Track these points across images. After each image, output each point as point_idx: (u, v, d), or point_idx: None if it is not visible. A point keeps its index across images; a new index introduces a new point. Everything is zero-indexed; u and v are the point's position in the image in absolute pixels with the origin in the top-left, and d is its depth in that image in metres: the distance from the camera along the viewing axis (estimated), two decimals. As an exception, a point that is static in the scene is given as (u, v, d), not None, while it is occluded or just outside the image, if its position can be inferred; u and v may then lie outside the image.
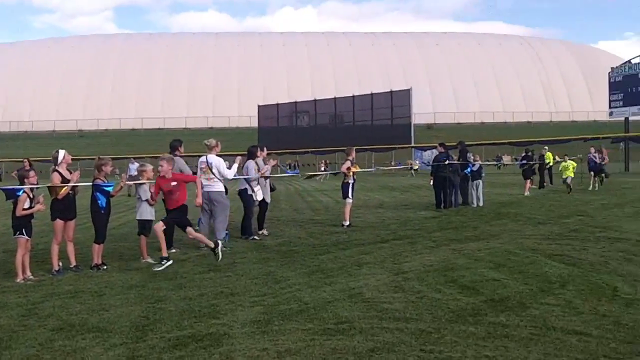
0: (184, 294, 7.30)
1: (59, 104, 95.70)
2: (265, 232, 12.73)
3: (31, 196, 8.57)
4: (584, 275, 7.69)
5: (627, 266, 8.15)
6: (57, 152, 9.23)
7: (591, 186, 23.69)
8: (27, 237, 8.50)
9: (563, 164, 23.83)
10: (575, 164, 23.67)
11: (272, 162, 13.73)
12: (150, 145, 62.01)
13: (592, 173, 24.36)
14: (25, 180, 8.61)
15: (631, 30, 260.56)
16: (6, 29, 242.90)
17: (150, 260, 9.62)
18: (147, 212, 10.02)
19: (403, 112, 53.81)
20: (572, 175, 23.04)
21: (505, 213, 15.90)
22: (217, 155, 11.12)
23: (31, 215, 8.60)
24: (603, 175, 24.44)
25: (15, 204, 8.49)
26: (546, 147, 28.87)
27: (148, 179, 10.16)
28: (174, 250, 10.62)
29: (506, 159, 51.95)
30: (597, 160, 24.39)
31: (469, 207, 17.87)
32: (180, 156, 11.27)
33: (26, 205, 8.43)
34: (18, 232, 8.48)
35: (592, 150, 24.47)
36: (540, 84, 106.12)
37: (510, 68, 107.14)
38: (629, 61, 46.79)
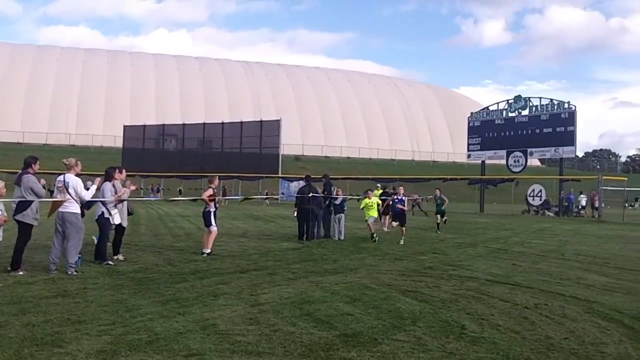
0: (27, 320, 6.81)
1: None
2: (120, 257, 12.23)
3: None
4: (434, 312, 7.95)
5: (476, 304, 8.51)
6: None
7: (438, 227, 23.48)
8: None
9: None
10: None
11: (133, 187, 13.23)
12: (7, 160, 58.26)
13: (437, 215, 24.16)
14: None
15: (490, 78, 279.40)
16: None
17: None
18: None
19: (272, 142, 54.15)
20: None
21: (365, 247, 16.29)
22: (76, 175, 10.59)
23: None
24: (445, 217, 24.58)
25: None
26: (379, 185, 29.76)
27: (0, 195, 9.48)
28: (21, 273, 9.97)
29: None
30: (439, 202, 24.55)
31: (330, 240, 18.14)
32: (34, 174, 10.62)
33: None
34: None
35: (438, 192, 24.66)
36: (405, 124, 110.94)
37: (377, 106, 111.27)
38: (487, 107, 50.04)
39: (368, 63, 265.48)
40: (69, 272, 10.15)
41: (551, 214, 41.81)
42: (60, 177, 10.52)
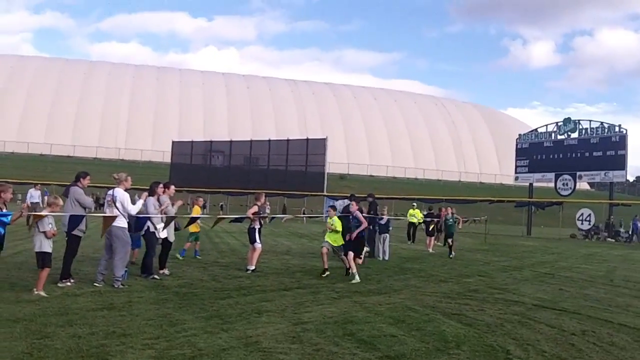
0: (73, 332, 6.95)
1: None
2: (166, 271, 12.39)
3: None
4: (479, 336, 7.82)
5: (521, 329, 8.35)
6: None
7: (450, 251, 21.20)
8: None
9: (410, 210, 27.56)
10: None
11: (179, 202, 13.42)
12: (57, 173, 59.80)
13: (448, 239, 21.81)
14: None
15: (538, 100, 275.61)
16: None
17: (42, 293, 9.15)
18: (46, 245, 9.56)
19: (318, 160, 54.22)
20: (415, 221, 27.18)
21: (409, 268, 16.16)
22: (125, 190, 10.81)
23: None
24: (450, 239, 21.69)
25: None
26: (415, 204, 29.59)
27: (55, 210, 9.73)
28: (68, 283, 10.20)
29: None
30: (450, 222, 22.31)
31: (374, 259, 18.04)
32: (83, 188, 10.89)
33: None
34: None
35: (450, 211, 22.44)
36: (451, 144, 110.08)
37: (424, 126, 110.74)
38: (536, 129, 49.32)
39: (414, 83, 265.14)
40: (115, 286, 10.31)
41: (612, 240, 40.60)
42: (110, 192, 10.74)
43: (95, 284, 10.38)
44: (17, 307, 8.22)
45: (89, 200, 10.87)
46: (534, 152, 47.60)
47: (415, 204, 28.70)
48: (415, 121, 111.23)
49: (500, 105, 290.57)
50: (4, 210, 8.83)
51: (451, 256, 20.27)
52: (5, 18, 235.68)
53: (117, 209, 10.48)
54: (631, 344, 7.77)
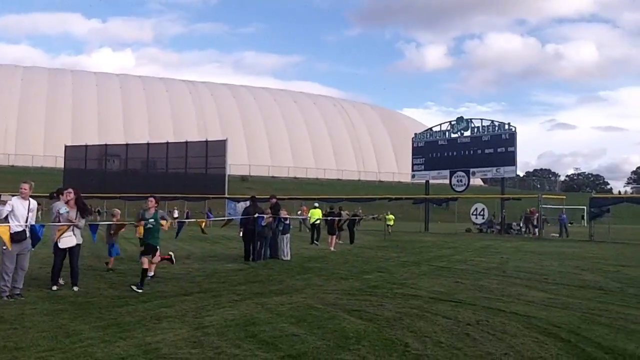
0: (-42, 349, 6.58)
1: None
2: (61, 281, 11.92)
3: None
4: (379, 330, 8.01)
5: (419, 322, 8.61)
6: None
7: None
8: None
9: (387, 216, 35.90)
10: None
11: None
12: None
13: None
14: None
15: (432, 100, 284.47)
16: None
17: None
18: None
19: (218, 162, 53.73)
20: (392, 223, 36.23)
21: (311, 267, 16.31)
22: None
23: None
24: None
25: None
26: (316, 204, 30.12)
27: None
28: None
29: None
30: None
31: (277, 260, 18.09)
32: None
33: None
34: None
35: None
36: (350, 144, 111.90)
37: (323, 126, 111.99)
38: (431, 129, 50.92)
39: (314, 85, 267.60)
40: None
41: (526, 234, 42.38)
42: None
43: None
44: None
45: None
46: (430, 150, 49.14)
47: (317, 204, 28.99)
48: (315, 122, 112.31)
49: (396, 105, 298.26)
50: None
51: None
52: None
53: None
54: (522, 330, 8.17)
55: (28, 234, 10.46)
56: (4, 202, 10.62)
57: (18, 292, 10.28)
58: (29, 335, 7.35)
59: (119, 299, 10.41)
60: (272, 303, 10.05)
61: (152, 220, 12.21)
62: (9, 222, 10.24)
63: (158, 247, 12.54)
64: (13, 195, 10.95)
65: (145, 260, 11.91)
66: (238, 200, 51.25)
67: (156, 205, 12.47)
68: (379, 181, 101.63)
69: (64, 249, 11.56)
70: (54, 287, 11.31)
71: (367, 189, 76.75)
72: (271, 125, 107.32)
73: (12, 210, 10.29)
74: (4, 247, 10.23)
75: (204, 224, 16.80)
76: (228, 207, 51.96)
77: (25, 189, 10.56)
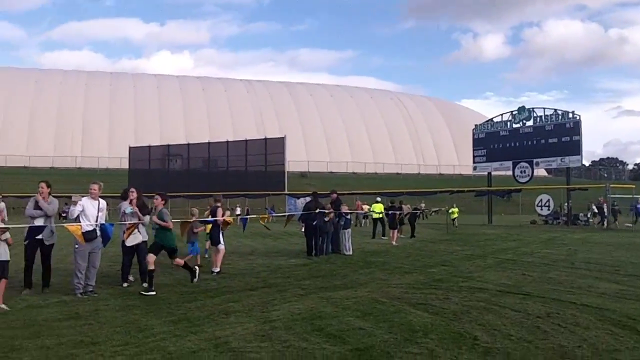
0: (41, 343, 6.87)
1: None
2: (131, 277, 12.27)
3: None
4: (446, 324, 7.94)
5: (487, 315, 8.50)
6: None
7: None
8: None
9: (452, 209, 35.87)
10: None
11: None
12: (14, 184, 58.48)
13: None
14: None
15: (491, 90, 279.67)
16: None
17: (4, 306, 8.99)
18: (4, 254, 9.41)
19: (277, 159, 54.15)
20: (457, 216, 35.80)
21: (374, 262, 16.28)
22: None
23: None
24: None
25: None
26: (379, 199, 29.98)
27: (2, 219, 9.59)
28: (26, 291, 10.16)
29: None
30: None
31: (339, 255, 18.13)
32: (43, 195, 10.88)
33: None
34: None
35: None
36: (409, 138, 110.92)
37: (381, 121, 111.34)
38: (491, 119, 50.00)
39: (370, 79, 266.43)
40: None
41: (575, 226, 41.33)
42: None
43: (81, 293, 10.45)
44: (-20, 322, 8.07)
45: (30, 211, 10.72)
46: (491, 141, 48.30)
47: (379, 198, 28.85)
48: (372, 116, 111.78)
49: (454, 97, 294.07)
50: None
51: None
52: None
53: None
54: (594, 323, 7.97)
55: (98, 233, 10.79)
56: (74, 203, 11.00)
57: (91, 289, 10.62)
58: (103, 331, 7.60)
59: (188, 294, 10.64)
60: (337, 297, 10.09)
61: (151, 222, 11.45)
62: (80, 222, 10.60)
63: (175, 247, 11.70)
64: (83, 196, 11.30)
65: (151, 261, 11.12)
66: (298, 197, 51.56)
67: (163, 203, 11.79)
68: (439, 174, 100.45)
69: (132, 247, 11.93)
70: (125, 284, 11.66)
71: (427, 183, 75.90)
72: (328, 121, 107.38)
73: (82, 210, 10.64)
74: (77, 246, 10.60)
75: (267, 219, 17.00)
76: (288, 203, 52.31)
77: (94, 190, 10.90)
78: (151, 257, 11.09)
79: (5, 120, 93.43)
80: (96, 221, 10.73)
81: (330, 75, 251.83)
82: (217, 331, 7.49)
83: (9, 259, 9.48)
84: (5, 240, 9.41)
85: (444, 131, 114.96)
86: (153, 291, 10.63)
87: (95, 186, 10.92)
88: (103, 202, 11.01)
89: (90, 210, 10.70)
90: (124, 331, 7.56)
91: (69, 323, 8.08)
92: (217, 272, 13.53)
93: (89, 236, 10.61)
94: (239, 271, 14.23)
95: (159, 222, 11.28)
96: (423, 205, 50.40)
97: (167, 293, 10.76)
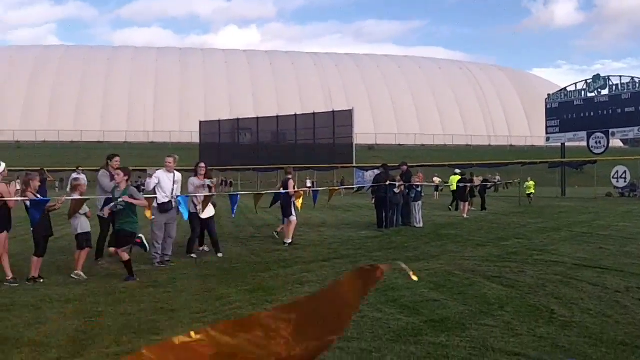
0: (122, 309, 7.15)
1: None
2: (205, 248, 12.58)
3: None
4: (521, 297, 7.82)
5: (564, 289, 8.33)
6: None
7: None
8: None
9: (526, 183, 33.38)
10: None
11: (213, 180, 13.57)
12: (89, 159, 60.61)
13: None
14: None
15: (563, 59, 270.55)
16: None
17: (81, 274, 9.38)
18: (86, 225, 9.82)
19: (345, 132, 54.13)
20: (533, 191, 33.11)
21: (445, 234, 16.15)
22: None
23: None
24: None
25: None
26: (457, 170, 29.36)
27: (81, 193, 9.97)
28: (100, 262, 10.56)
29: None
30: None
31: (409, 227, 18.06)
32: (115, 169, 11.23)
33: None
34: None
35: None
36: (479, 108, 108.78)
37: (450, 92, 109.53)
38: (565, 89, 48.46)
39: (438, 49, 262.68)
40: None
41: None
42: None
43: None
44: (66, 289, 8.46)
45: (107, 184, 11.02)
46: (565, 111, 46.85)
47: (458, 170, 28.38)
48: (441, 87, 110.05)
49: (525, 66, 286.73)
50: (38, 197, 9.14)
51: None
52: (30, 10, 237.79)
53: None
54: (677, 298, 7.71)
55: (174, 204, 11.08)
56: (150, 176, 11.34)
57: (168, 259, 10.96)
58: (181, 298, 7.84)
59: (261, 264, 10.84)
60: (409, 269, 10.04)
61: (121, 200, 9.50)
62: (156, 194, 10.92)
63: (136, 233, 9.77)
64: (158, 169, 11.64)
65: (112, 251, 9.74)
66: (366, 169, 51.60)
67: (127, 179, 9.88)
68: (510, 145, 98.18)
69: (201, 219, 12.18)
70: (193, 255, 11.90)
71: (498, 154, 74.37)
72: (396, 92, 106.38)
73: (158, 183, 10.95)
74: (153, 217, 10.94)
75: (335, 192, 17.04)
76: (356, 176, 52.42)
77: (170, 163, 11.19)
78: (114, 250, 9.57)
79: (81, 96, 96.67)
80: (171, 193, 11.01)
81: (397, 46, 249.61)
82: (292, 300, 7.59)
83: (89, 230, 9.87)
84: (85, 214, 9.80)
85: (515, 101, 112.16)
86: (133, 278, 9.21)
87: (171, 159, 11.21)
88: (178, 175, 11.29)
89: (166, 183, 11.00)
90: (202, 299, 7.78)
91: (148, 291, 8.37)
92: (289, 244, 13.70)
93: (164, 207, 10.94)
94: (310, 242, 14.37)
95: (131, 200, 9.56)
96: (498, 177, 49.49)
97: (241, 263, 10.99)
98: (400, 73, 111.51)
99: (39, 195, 9.28)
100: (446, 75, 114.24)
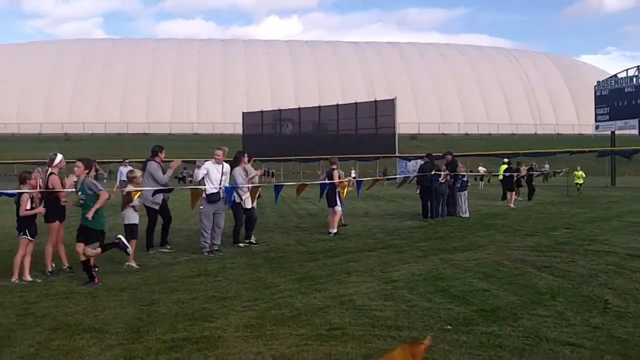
0: (176, 297, 7.30)
1: (46, 107, 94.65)
2: (253, 239, 12.71)
3: (32, 197, 8.63)
4: (574, 287, 7.71)
5: (617, 279, 8.19)
6: (55, 155, 9.36)
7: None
8: (29, 238, 8.55)
9: (575, 172, 31.92)
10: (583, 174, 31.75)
11: (259, 171, 13.69)
12: (135, 150, 61.59)
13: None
14: (27, 181, 8.68)
15: (613, 45, 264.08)
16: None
17: (133, 264, 9.59)
18: (133, 217, 10.03)
19: (387, 121, 53.75)
20: (582, 181, 31.42)
21: (492, 224, 15.99)
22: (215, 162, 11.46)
23: (34, 216, 8.65)
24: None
25: (18, 205, 8.56)
26: (505, 160, 28.94)
27: (137, 184, 10.17)
28: (151, 252, 10.85)
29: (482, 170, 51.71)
30: None
31: (455, 217, 17.91)
32: (161, 162, 11.49)
33: (28, 206, 8.48)
34: (21, 233, 8.57)
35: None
36: (524, 96, 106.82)
37: (495, 80, 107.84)
38: (615, 75, 47.23)
39: (482, 37, 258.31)
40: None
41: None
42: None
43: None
44: (120, 278, 8.67)
45: (161, 175, 11.30)
46: (615, 98, 45.63)
47: (506, 159, 27.97)
48: (485, 75, 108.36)
49: (573, 52, 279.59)
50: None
51: None
52: (77, 4, 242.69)
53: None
54: None
55: (222, 195, 11.23)
56: (199, 167, 11.51)
57: (217, 248, 11.13)
58: (232, 287, 7.95)
59: (308, 254, 10.92)
60: (457, 259, 10.01)
61: (81, 193, 8.60)
62: (205, 185, 11.08)
63: (103, 229, 8.85)
64: (206, 160, 11.79)
65: (80, 250, 8.47)
66: (409, 159, 51.26)
67: (86, 172, 8.66)
68: (557, 134, 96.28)
69: (247, 209, 12.31)
70: (241, 244, 12.03)
71: (544, 143, 73.10)
72: (439, 81, 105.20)
73: (207, 174, 11.11)
74: (201, 207, 11.12)
75: (378, 182, 16.95)
76: (399, 166, 52.14)
77: (219, 155, 11.35)
78: (80, 247, 8.46)
79: (126, 89, 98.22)
80: (220, 184, 11.16)
81: (441, 34, 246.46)
82: (340, 289, 7.65)
83: (136, 222, 10.07)
84: (134, 206, 10.00)
85: (562, 89, 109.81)
86: (94, 282, 8.25)
87: (220, 152, 11.38)
88: (227, 166, 11.44)
89: (215, 174, 11.15)
90: (252, 287, 7.88)
91: (200, 279, 8.52)
92: (334, 233, 13.75)
93: (212, 198, 11.10)
94: (355, 232, 14.39)
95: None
96: (547, 166, 48.63)
97: (287, 253, 11.09)
98: (444, 61, 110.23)
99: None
100: (491, 62, 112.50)
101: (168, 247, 11.54)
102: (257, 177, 12.72)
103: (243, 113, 66.77)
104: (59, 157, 9.37)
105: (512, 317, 6.28)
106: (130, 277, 8.70)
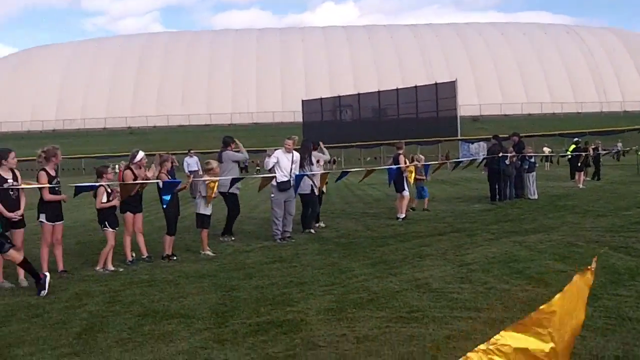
0: (255, 283, 7.53)
1: (109, 102, 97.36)
2: (322, 224, 12.91)
3: (109, 190, 8.99)
4: (653, 267, 7.59)
5: (699, 259, 8.01)
6: (137, 152, 9.69)
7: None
8: (112, 229, 8.90)
9: None
10: None
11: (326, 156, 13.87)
12: (197, 142, 62.78)
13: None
14: (104, 175, 9.05)
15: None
16: (57, 31, 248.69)
17: (209, 252, 9.89)
18: (204, 207, 10.30)
19: (448, 104, 53.13)
20: None
21: (562, 205, 15.74)
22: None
23: (114, 208, 9.02)
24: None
25: (96, 198, 8.97)
26: (576, 139, 28.13)
27: (215, 174, 10.46)
28: (226, 239, 11.14)
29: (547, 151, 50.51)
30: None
31: (523, 199, 17.67)
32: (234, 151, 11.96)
33: (104, 199, 8.86)
34: (102, 225, 8.92)
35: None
36: (589, 74, 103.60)
37: (558, 58, 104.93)
38: (683, 49, 45.42)
39: (543, 14, 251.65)
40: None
41: None
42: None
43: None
44: (199, 265, 8.99)
45: (240, 155, 12.19)
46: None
47: (577, 139, 27.31)
48: (547, 53, 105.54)
49: (638, 26, 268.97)
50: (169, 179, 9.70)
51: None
52: (135, 0, 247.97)
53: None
54: None
55: (292, 182, 11.44)
56: (269, 155, 11.77)
57: (289, 235, 11.36)
58: (307, 272, 8.14)
59: (378, 239, 11.03)
60: (530, 241, 9.93)
61: None
62: (275, 173, 11.31)
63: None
64: (277, 149, 12.03)
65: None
66: (471, 142, 50.61)
67: None
68: (624, 111, 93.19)
69: (316, 196, 12.51)
70: (312, 231, 12.22)
71: (610, 121, 70.84)
72: (500, 61, 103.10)
73: (277, 162, 11.34)
74: (272, 195, 11.37)
75: (442, 165, 16.82)
76: (461, 149, 51.52)
77: (289, 145, 11.56)
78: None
79: (187, 81, 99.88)
80: (290, 172, 11.37)
81: (500, 13, 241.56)
82: (415, 273, 7.74)
83: (207, 213, 10.33)
84: (205, 197, 10.25)
85: (628, 65, 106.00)
86: (45, 290, 7.30)
87: (290, 141, 11.60)
88: (296, 155, 11.64)
89: (285, 162, 11.37)
90: (327, 272, 8.05)
91: (275, 266, 8.75)
92: (403, 218, 13.80)
93: (283, 186, 11.33)
94: (423, 217, 14.42)
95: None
96: (620, 145, 47.25)
97: (358, 238, 11.23)
98: (504, 40, 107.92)
99: (168, 177, 9.81)
100: (552, 40, 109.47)
101: (232, 237, 11.78)
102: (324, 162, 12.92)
103: (302, 101, 67.09)
104: (141, 154, 9.64)
105: (593, 297, 6.20)
106: (208, 265, 9.01)
